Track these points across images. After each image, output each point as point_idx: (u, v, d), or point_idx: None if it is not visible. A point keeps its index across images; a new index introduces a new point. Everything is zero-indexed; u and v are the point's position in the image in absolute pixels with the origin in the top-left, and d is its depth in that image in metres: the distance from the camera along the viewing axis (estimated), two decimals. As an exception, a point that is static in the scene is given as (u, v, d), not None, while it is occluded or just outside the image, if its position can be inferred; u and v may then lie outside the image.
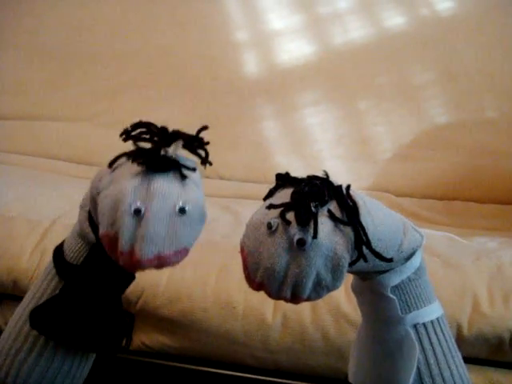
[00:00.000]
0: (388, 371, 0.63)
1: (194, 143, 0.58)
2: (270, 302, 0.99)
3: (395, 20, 1.77)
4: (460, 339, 0.96)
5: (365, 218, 0.55)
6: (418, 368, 0.61)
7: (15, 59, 1.84)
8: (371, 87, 1.74)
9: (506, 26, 1.73)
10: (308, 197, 0.54)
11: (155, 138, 0.56)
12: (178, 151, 0.56)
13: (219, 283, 1.00)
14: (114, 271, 0.63)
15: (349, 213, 0.54)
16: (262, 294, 1.00)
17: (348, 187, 0.56)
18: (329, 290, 0.54)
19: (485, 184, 1.60)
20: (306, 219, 0.52)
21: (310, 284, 0.52)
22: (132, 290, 1.01)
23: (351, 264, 0.55)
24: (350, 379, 0.70)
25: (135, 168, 0.54)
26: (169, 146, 0.56)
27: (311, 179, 0.57)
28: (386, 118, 1.72)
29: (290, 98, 1.76)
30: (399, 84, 1.74)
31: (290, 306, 0.97)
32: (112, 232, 0.52)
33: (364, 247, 0.54)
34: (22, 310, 0.65)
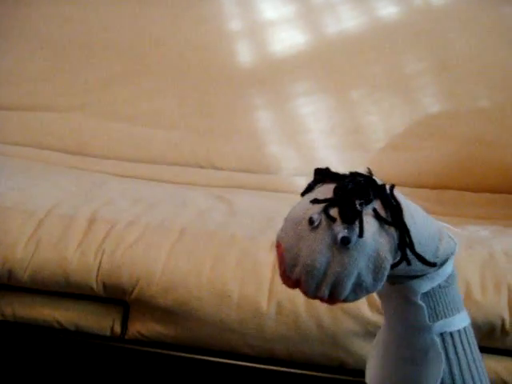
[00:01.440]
0: (411, 378, 0.62)
1: None
2: (265, 290, 0.99)
3: (388, 9, 1.77)
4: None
5: (408, 220, 0.53)
6: (442, 378, 0.60)
7: (7, 50, 1.83)
8: (364, 77, 1.74)
9: (498, 15, 1.73)
10: (353, 194, 0.52)
11: None
12: None
13: (214, 272, 1.01)
14: None
15: (393, 213, 0.52)
16: (256, 282, 1.01)
17: (392, 187, 0.55)
18: (368, 291, 0.52)
19: (477, 173, 1.61)
20: (352, 217, 0.50)
21: (349, 284, 0.51)
22: (127, 279, 1.02)
23: (392, 266, 0.53)
24: (367, 380, 0.68)
25: None
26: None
27: (354, 176, 0.55)
28: (378, 107, 1.72)
29: (283, 87, 1.75)
30: (392, 73, 1.74)
31: (284, 294, 0.98)
32: None
33: (407, 250, 0.52)
34: None
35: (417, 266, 0.55)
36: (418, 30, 1.74)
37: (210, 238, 1.07)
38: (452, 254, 0.60)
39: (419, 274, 0.58)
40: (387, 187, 0.54)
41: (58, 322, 1.07)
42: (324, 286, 0.51)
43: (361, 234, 0.50)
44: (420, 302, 0.59)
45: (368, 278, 0.51)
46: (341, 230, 0.50)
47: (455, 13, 1.74)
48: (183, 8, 1.83)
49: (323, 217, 0.51)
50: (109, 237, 1.06)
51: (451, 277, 0.61)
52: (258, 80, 1.76)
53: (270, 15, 1.81)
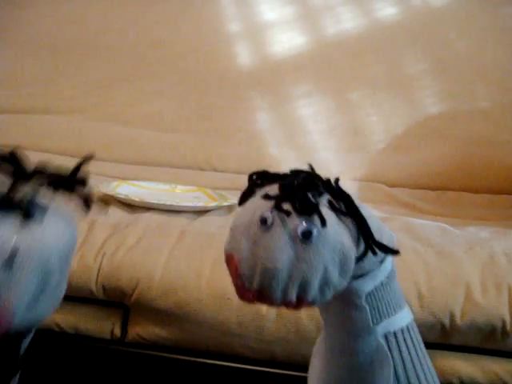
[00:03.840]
0: None
1: (69, 181, 0.48)
2: (265, 292, 0.99)
3: (387, 11, 1.77)
4: (453, 328, 0.97)
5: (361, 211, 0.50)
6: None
7: (8, 53, 1.83)
8: (363, 78, 1.75)
9: (497, 16, 1.74)
10: (302, 187, 0.48)
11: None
12: (33, 192, 0.48)
13: (214, 274, 1.00)
14: None
15: (346, 204, 0.50)
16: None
17: (337, 180, 0.52)
18: (335, 289, 0.49)
19: (477, 174, 1.61)
20: (309, 208, 0.47)
21: (317, 282, 0.47)
22: (127, 282, 1.01)
23: (357, 260, 0.50)
24: None
25: None
26: (26, 181, 0.47)
27: (297, 172, 0.52)
28: (378, 108, 1.72)
29: (282, 89, 1.76)
30: (391, 74, 1.74)
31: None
32: None
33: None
34: None
35: (367, 260, 0.52)
36: (417, 30, 1.75)
37: (210, 240, 1.07)
38: (393, 246, 0.56)
39: (365, 271, 0.54)
40: (332, 181, 0.51)
41: (58, 325, 1.07)
42: (291, 288, 0.47)
43: (323, 223, 0.46)
44: (363, 304, 0.55)
45: (335, 273, 0.48)
46: (299, 224, 0.47)
47: (454, 13, 1.74)
48: (182, 10, 1.84)
49: (276, 213, 0.48)
50: (109, 239, 1.05)
51: (391, 272, 0.58)
52: (257, 82, 1.77)
53: (269, 17, 1.82)
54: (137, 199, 1.20)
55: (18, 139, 1.70)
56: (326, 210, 0.48)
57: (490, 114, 1.66)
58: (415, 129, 1.68)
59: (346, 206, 0.50)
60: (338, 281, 0.49)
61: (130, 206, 1.21)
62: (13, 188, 0.46)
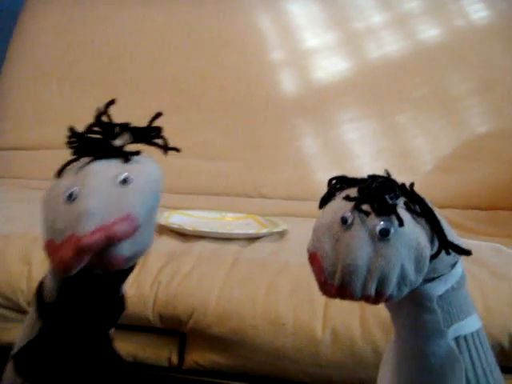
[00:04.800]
0: None
1: (149, 133, 0.57)
2: (319, 317, 0.99)
3: (430, 32, 1.77)
4: (512, 349, 0.95)
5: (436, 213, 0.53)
6: None
7: (59, 91, 1.89)
8: (409, 100, 1.75)
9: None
10: (380, 190, 0.52)
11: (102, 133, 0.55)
12: (125, 142, 0.55)
13: (268, 300, 1.01)
14: (92, 305, 0.58)
15: (421, 207, 0.53)
16: (310, 308, 1.01)
17: (412, 184, 0.55)
18: (411, 285, 0.51)
19: (528, 192, 1.59)
20: (388, 209, 0.50)
21: (395, 277, 0.50)
22: (183, 310, 1.03)
23: (431, 258, 0.53)
24: None
25: (79, 164, 0.53)
26: (114, 138, 0.55)
27: (375, 177, 0.56)
28: (424, 130, 1.72)
29: (327, 114, 1.77)
30: (437, 95, 1.74)
31: (339, 320, 0.98)
32: (50, 235, 0.49)
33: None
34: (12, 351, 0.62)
35: (440, 262, 0.55)
36: (461, 50, 1.74)
37: (262, 266, 1.08)
38: None
39: (437, 274, 0.57)
40: (407, 185, 0.55)
41: (117, 354, 1.09)
42: (370, 283, 0.50)
43: (401, 223, 0.49)
44: (435, 307, 0.57)
45: (411, 270, 0.50)
46: (378, 223, 0.50)
47: (497, 32, 1.74)
48: (226, 41, 1.87)
49: (356, 213, 0.51)
50: (164, 268, 1.08)
51: (462, 278, 0.60)
52: (302, 108, 1.78)
53: (311, 43, 1.84)
54: (190, 228, 1.22)
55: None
56: (402, 211, 0.51)
57: (539, 132, 1.65)
58: (463, 149, 1.67)
59: (420, 208, 0.53)
60: (414, 277, 0.51)
61: (182, 235, 1.24)
62: (108, 139, 0.55)
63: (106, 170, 0.50)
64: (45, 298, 0.59)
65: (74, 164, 0.55)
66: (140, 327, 1.08)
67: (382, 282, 0.50)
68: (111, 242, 0.48)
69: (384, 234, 0.49)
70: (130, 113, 1.81)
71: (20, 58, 1.96)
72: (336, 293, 0.52)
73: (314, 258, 0.54)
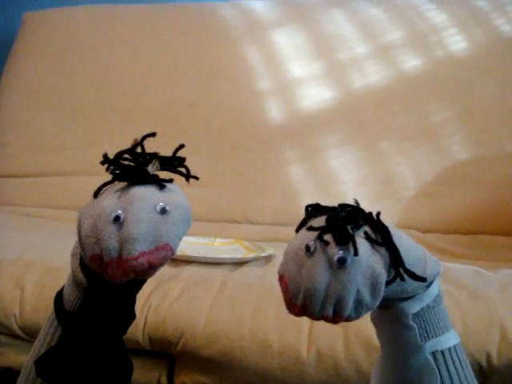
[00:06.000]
0: None
1: (174, 163, 0.63)
2: (304, 338, 1.02)
3: (412, 62, 1.83)
4: (490, 368, 0.98)
5: (396, 242, 0.57)
6: None
7: (51, 119, 1.93)
8: (392, 128, 1.79)
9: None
10: (344, 221, 0.56)
11: (134, 160, 0.61)
12: (155, 170, 0.61)
13: (255, 322, 1.04)
14: (111, 313, 0.63)
15: (382, 235, 0.57)
16: (295, 330, 1.04)
17: (378, 214, 0.60)
18: (368, 308, 0.56)
19: (508, 217, 1.63)
20: (345, 239, 0.54)
21: (351, 301, 0.54)
22: (172, 332, 1.05)
23: (386, 284, 0.57)
24: None
25: (116, 187, 0.58)
26: (147, 165, 0.60)
27: (344, 206, 0.61)
28: (407, 156, 1.76)
29: (313, 141, 1.81)
30: (419, 123, 1.78)
31: (323, 341, 1.01)
32: (98, 251, 0.54)
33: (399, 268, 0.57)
34: (30, 358, 0.67)
35: (408, 284, 0.60)
36: (442, 80, 1.80)
37: (249, 290, 1.11)
38: (438, 274, 0.65)
39: (410, 295, 0.62)
40: (374, 214, 0.59)
41: (107, 377, 1.11)
42: (328, 306, 0.54)
43: (356, 253, 0.54)
44: (411, 323, 0.63)
45: (366, 294, 0.55)
46: (336, 252, 0.54)
47: (477, 63, 1.79)
48: (214, 71, 1.92)
49: (318, 243, 0.56)
50: (154, 292, 1.10)
51: (438, 297, 0.65)
52: (288, 136, 1.82)
53: (297, 73, 1.89)
54: (179, 253, 1.25)
55: (63, 201, 1.79)
56: (361, 240, 0.56)
57: (518, 158, 1.69)
58: (444, 175, 1.72)
59: (381, 237, 0.57)
60: (369, 301, 0.55)
61: (172, 259, 1.26)
62: (144, 167, 0.60)
63: (147, 198, 0.56)
64: (65, 306, 0.64)
65: (108, 186, 0.60)
66: (130, 350, 1.10)
67: (338, 305, 0.54)
68: (152, 266, 0.54)
69: (341, 262, 0.54)
70: (120, 141, 1.86)
71: (13, 87, 2.00)
72: (299, 312, 0.56)
73: (281, 280, 0.59)
